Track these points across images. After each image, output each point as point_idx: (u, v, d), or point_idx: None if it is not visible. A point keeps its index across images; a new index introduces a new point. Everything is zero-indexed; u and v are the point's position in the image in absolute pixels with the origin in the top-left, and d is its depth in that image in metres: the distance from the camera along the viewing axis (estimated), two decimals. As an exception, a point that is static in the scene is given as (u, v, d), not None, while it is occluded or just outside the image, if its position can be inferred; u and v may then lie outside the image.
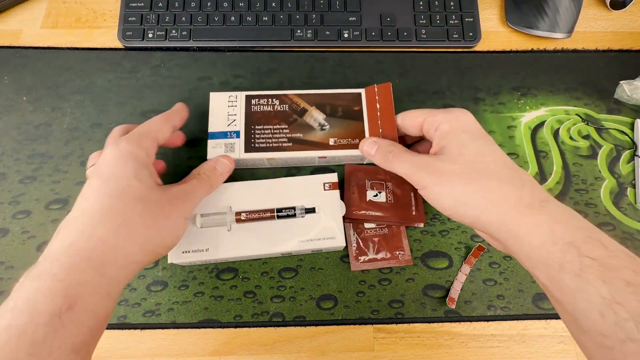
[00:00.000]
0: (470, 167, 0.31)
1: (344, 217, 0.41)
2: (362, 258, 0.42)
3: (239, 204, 0.40)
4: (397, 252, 0.42)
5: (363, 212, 0.42)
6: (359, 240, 0.43)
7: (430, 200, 0.33)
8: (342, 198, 0.42)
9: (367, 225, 0.43)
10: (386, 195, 0.43)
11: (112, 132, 0.36)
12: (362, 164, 0.46)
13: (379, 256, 0.42)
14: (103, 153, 0.33)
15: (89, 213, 0.30)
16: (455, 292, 0.41)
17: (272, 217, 0.40)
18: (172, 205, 0.33)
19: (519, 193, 0.29)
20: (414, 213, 0.43)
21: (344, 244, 0.40)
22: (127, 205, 0.30)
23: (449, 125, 0.33)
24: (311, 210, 0.40)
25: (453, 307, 0.41)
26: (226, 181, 0.40)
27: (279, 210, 0.40)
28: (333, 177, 0.42)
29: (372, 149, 0.37)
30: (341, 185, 0.44)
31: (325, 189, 0.41)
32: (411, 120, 0.37)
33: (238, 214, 0.39)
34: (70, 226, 0.29)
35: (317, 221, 0.40)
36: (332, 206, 0.40)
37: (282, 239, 0.39)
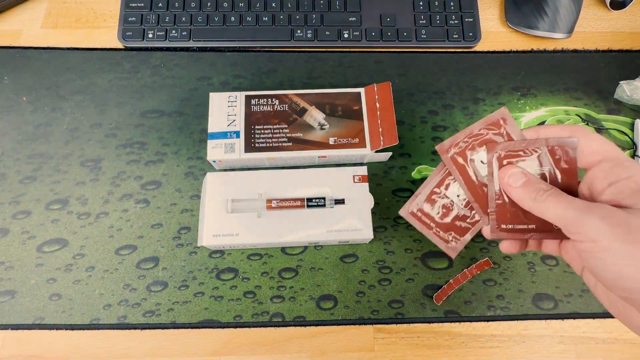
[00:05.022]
0: None
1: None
2: (414, 208, 0.35)
3: (269, 191, 0.41)
4: (451, 236, 0.35)
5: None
6: (429, 195, 0.34)
7: (598, 261, 0.24)
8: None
9: (444, 190, 0.35)
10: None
11: None
12: (363, 163, 0.46)
13: (432, 224, 0.35)
14: None
15: None
16: (444, 292, 0.41)
17: (302, 206, 0.40)
18: None
19: None
20: None
21: (372, 237, 0.40)
22: None
23: None
24: (340, 202, 0.40)
25: (438, 303, 0.41)
26: (256, 169, 0.40)
27: (309, 199, 0.40)
28: (363, 170, 0.42)
29: (517, 182, 0.28)
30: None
31: (354, 182, 0.41)
32: (590, 153, 0.27)
33: (269, 201, 0.40)
34: None
35: (345, 213, 0.40)
36: (361, 198, 0.41)
37: (311, 228, 0.40)
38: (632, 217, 0.23)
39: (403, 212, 0.36)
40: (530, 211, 0.27)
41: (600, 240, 0.23)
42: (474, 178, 0.31)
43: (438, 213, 0.36)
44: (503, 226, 0.29)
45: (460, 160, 0.31)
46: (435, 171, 0.34)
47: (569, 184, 0.28)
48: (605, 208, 0.24)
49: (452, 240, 0.36)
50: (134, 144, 0.46)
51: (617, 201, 0.25)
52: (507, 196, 0.29)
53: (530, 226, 0.29)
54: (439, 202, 0.36)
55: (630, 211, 0.24)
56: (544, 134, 0.29)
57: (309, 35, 0.50)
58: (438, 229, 0.36)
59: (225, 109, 0.43)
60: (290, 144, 0.42)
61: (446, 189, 0.35)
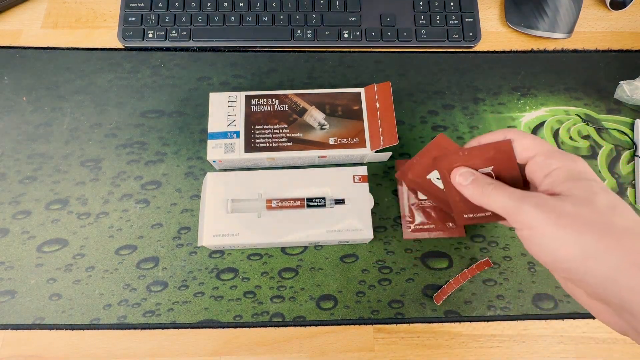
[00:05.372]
0: (606, 218, 0.25)
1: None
2: (412, 226, 0.43)
3: (269, 191, 0.41)
4: (448, 223, 0.43)
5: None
6: (412, 209, 0.44)
7: (536, 246, 0.26)
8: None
9: (420, 196, 0.44)
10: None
11: None
12: (363, 163, 0.46)
13: (432, 226, 0.44)
14: None
15: None
16: (444, 292, 0.41)
17: (301, 206, 0.40)
18: None
19: None
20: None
21: (372, 237, 0.40)
22: None
23: (572, 169, 0.27)
24: (340, 202, 0.40)
25: (438, 303, 0.41)
26: (256, 169, 0.41)
27: (309, 199, 0.40)
28: (363, 170, 0.42)
29: (467, 180, 0.32)
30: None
31: (355, 182, 0.41)
32: (524, 150, 0.30)
33: (269, 201, 0.40)
34: None
35: (345, 212, 0.40)
36: (361, 198, 0.41)
37: (311, 228, 0.40)
38: (563, 203, 0.26)
39: (406, 235, 0.43)
40: (481, 205, 0.30)
41: (535, 227, 0.26)
42: (433, 190, 0.36)
43: (429, 215, 0.44)
44: (465, 216, 0.33)
45: (418, 180, 0.36)
46: (401, 192, 0.45)
47: (513, 179, 0.31)
48: (539, 196, 0.27)
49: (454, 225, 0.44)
50: (134, 144, 0.46)
51: (552, 189, 0.27)
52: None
53: (487, 213, 0.32)
54: (422, 208, 0.44)
55: (560, 197, 0.26)
56: (483, 142, 0.32)
57: (309, 35, 0.50)
58: (442, 225, 0.44)
59: (225, 109, 0.43)
60: (290, 144, 0.42)
61: (416, 196, 0.44)
